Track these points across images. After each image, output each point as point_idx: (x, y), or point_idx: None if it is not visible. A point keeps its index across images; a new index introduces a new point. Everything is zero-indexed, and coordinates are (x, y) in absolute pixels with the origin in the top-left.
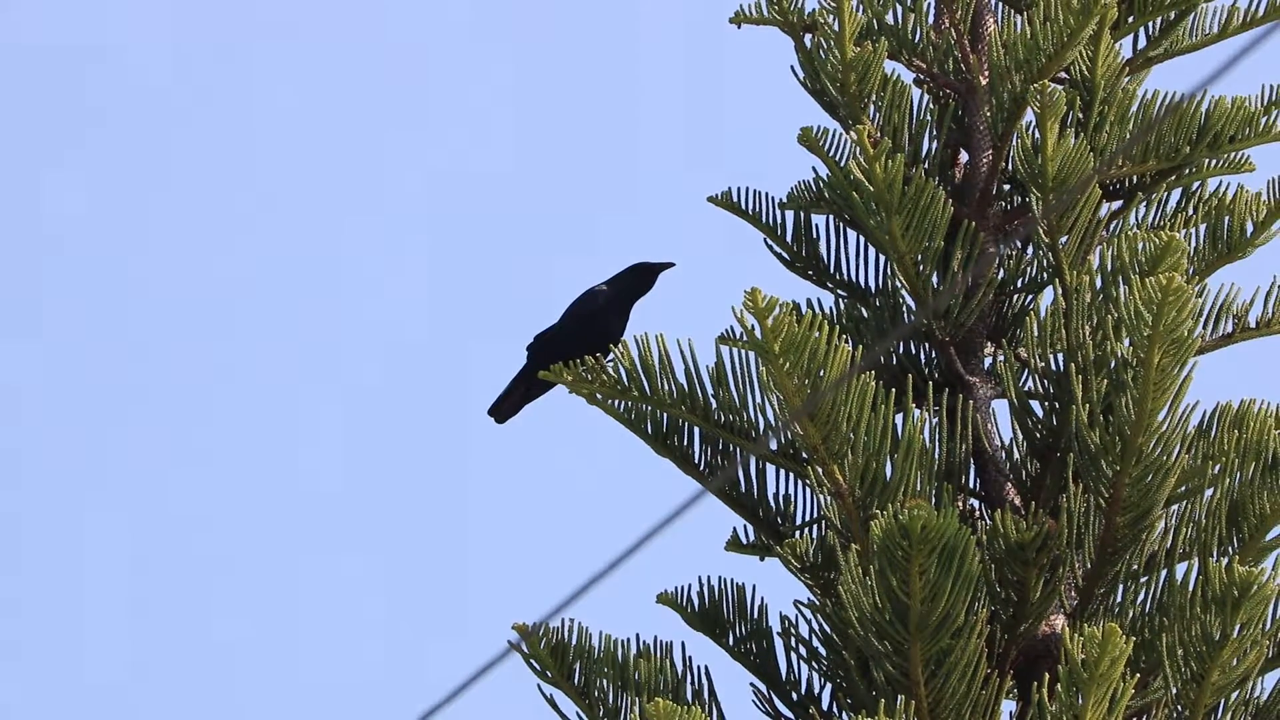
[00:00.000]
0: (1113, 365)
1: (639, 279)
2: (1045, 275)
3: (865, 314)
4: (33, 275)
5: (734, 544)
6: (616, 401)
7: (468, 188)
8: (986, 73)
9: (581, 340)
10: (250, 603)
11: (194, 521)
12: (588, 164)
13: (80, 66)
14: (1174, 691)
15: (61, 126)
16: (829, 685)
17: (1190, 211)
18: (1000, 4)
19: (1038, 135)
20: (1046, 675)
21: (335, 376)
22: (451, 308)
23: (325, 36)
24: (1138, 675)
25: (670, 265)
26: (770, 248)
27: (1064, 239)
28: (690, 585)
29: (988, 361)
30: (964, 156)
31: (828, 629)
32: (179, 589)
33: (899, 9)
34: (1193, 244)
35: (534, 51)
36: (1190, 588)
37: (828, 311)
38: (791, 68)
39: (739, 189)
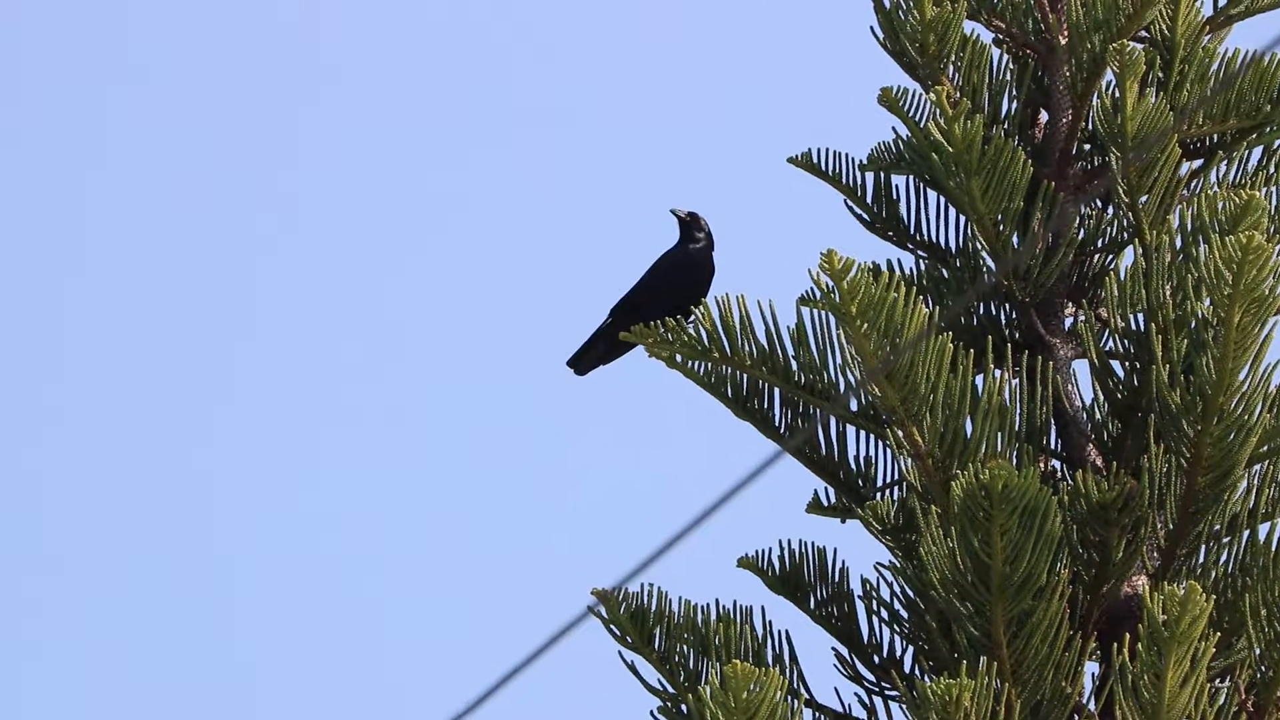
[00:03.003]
0: (1193, 325)
1: (695, 227)
2: (1125, 235)
3: (945, 275)
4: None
5: (815, 506)
6: (696, 364)
7: (535, 138)
8: (1066, 32)
9: (671, 298)
10: (350, 539)
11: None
12: (669, 124)
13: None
14: (1257, 652)
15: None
16: (910, 648)
17: (1271, 170)
18: None
19: (1117, 95)
20: (1128, 636)
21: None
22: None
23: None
24: (1219, 635)
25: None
26: (850, 209)
27: (1144, 198)
28: (771, 549)
29: (1068, 322)
30: (1044, 116)
31: (909, 591)
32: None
33: None
34: (1273, 202)
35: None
36: (1273, 548)
37: (908, 273)
38: (871, 28)
39: (819, 150)
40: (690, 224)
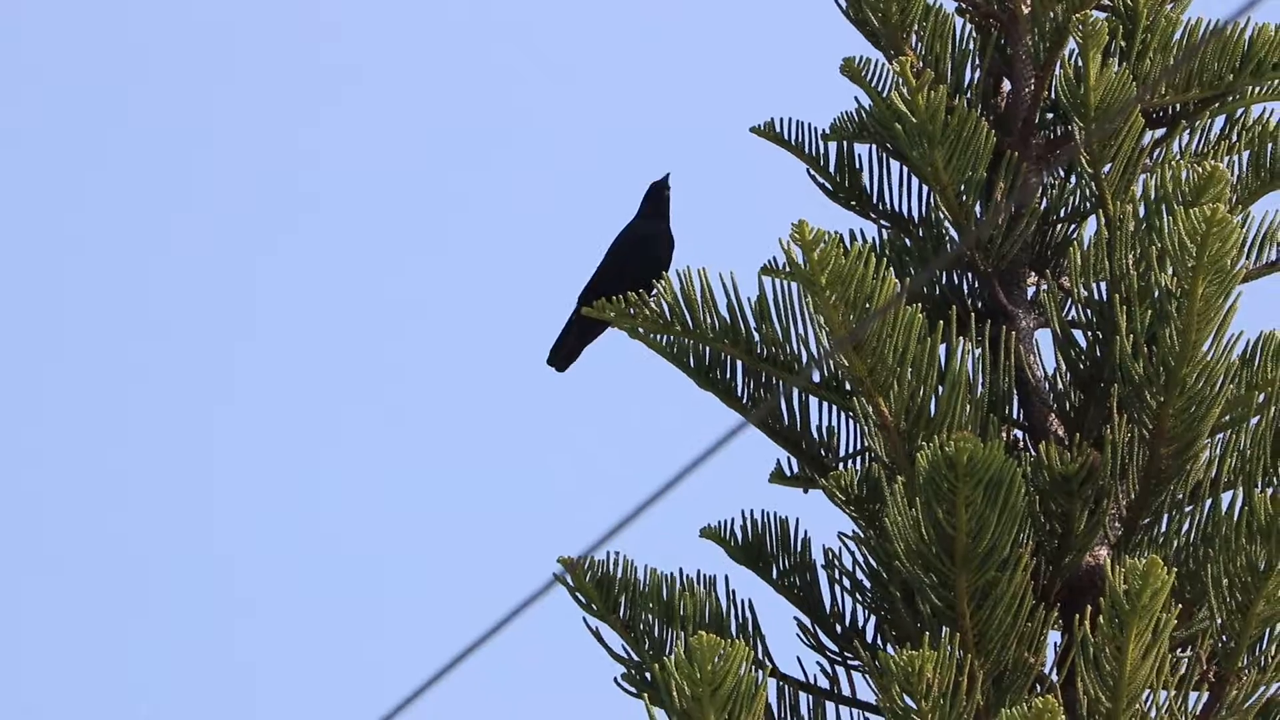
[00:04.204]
0: (1156, 295)
1: (657, 198)
2: (1088, 205)
3: (908, 244)
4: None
5: (778, 476)
6: (659, 336)
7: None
8: (1028, 1)
9: (632, 274)
10: (343, 534)
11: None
12: (628, 95)
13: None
14: (1219, 622)
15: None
16: (873, 618)
17: (1234, 139)
18: None
19: (1080, 64)
20: (1089, 607)
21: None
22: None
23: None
24: (1181, 606)
25: (667, 175)
26: (813, 178)
27: (1107, 168)
28: (733, 519)
29: (1030, 292)
30: (1006, 86)
31: (873, 562)
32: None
33: None
34: (1236, 172)
35: None
36: (1235, 518)
37: (871, 242)
38: None
39: (782, 120)
40: (659, 196)
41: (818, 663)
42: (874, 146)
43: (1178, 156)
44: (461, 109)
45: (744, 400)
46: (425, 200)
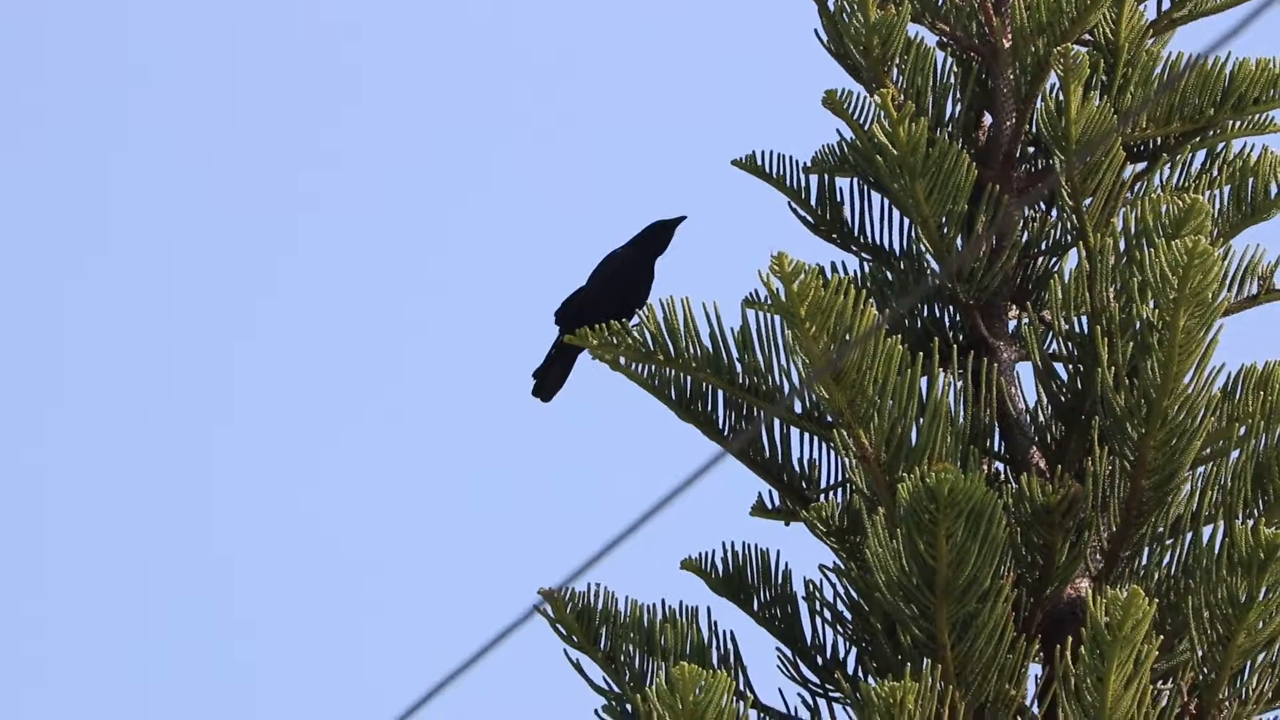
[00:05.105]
0: (1138, 328)
1: (656, 236)
2: (1069, 238)
3: (889, 277)
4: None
5: (759, 509)
6: (640, 366)
7: (483, 151)
8: (1010, 35)
9: (609, 303)
10: (340, 539)
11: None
12: (611, 128)
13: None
14: (1200, 654)
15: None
16: (854, 649)
17: (1215, 173)
18: None
19: (1061, 98)
20: (1070, 639)
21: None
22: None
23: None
24: (1162, 638)
25: (682, 219)
26: (795, 211)
27: (1088, 201)
28: (714, 551)
29: (1012, 324)
30: (987, 119)
31: (853, 593)
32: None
33: None
34: (1217, 205)
35: (548, 18)
36: (1216, 550)
37: (852, 274)
38: (815, 31)
39: (763, 152)
40: (661, 236)
41: (799, 694)
42: (855, 179)
43: (1159, 190)
44: (467, 115)
45: (725, 432)
46: (425, 201)
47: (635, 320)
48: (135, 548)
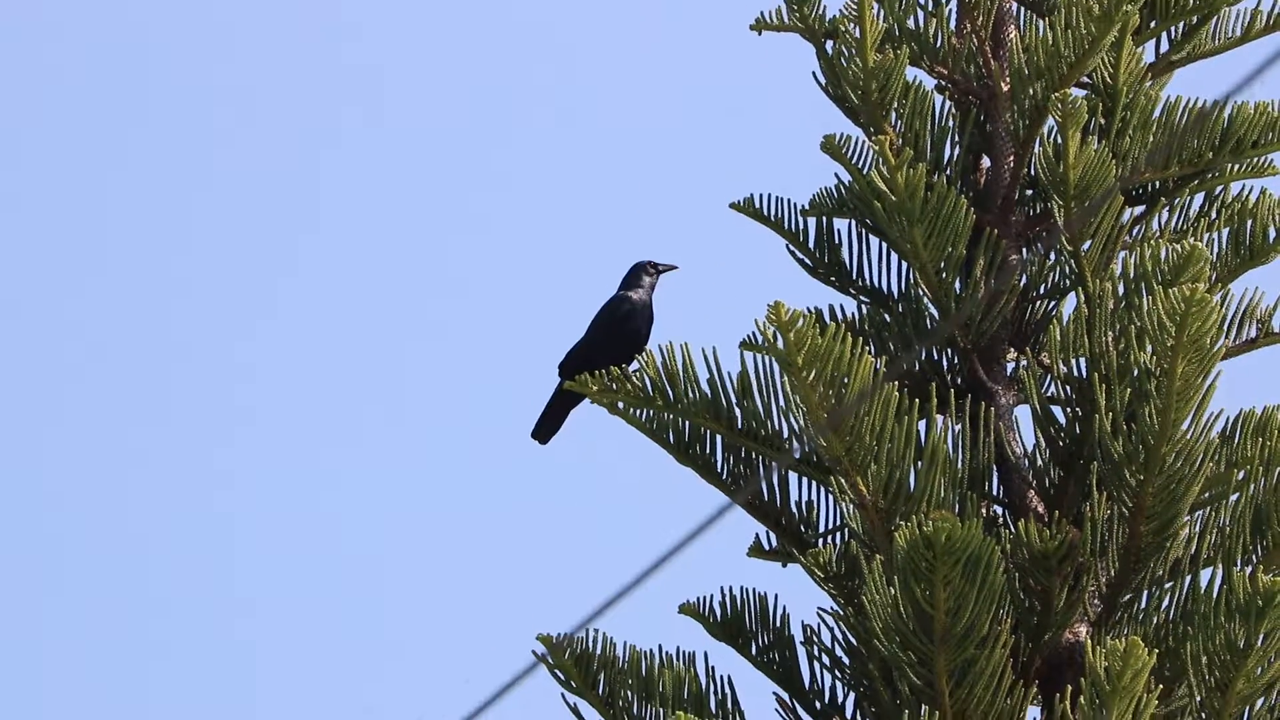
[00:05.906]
0: (1136, 374)
1: (641, 272)
2: (1068, 282)
3: (887, 319)
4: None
5: (756, 550)
6: (639, 411)
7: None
8: (1008, 79)
9: (613, 348)
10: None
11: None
12: (610, 170)
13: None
14: (1198, 700)
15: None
16: (852, 694)
17: (1213, 216)
18: (1022, 9)
19: (1060, 142)
20: (1069, 685)
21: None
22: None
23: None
24: (1161, 685)
25: (672, 268)
26: (793, 254)
27: (1086, 245)
28: (712, 595)
29: (1010, 368)
30: (986, 163)
31: (851, 638)
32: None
33: (920, 15)
34: (1215, 249)
35: (550, 56)
36: (1214, 595)
37: (850, 317)
38: (813, 74)
39: (761, 195)
40: (644, 273)
41: None
42: (853, 222)
43: (1157, 234)
44: (468, 114)
45: (724, 476)
46: (427, 204)
47: (635, 365)
48: (137, 548)
